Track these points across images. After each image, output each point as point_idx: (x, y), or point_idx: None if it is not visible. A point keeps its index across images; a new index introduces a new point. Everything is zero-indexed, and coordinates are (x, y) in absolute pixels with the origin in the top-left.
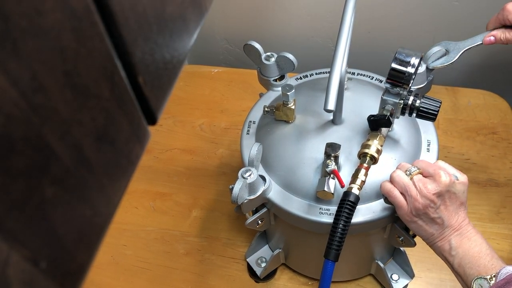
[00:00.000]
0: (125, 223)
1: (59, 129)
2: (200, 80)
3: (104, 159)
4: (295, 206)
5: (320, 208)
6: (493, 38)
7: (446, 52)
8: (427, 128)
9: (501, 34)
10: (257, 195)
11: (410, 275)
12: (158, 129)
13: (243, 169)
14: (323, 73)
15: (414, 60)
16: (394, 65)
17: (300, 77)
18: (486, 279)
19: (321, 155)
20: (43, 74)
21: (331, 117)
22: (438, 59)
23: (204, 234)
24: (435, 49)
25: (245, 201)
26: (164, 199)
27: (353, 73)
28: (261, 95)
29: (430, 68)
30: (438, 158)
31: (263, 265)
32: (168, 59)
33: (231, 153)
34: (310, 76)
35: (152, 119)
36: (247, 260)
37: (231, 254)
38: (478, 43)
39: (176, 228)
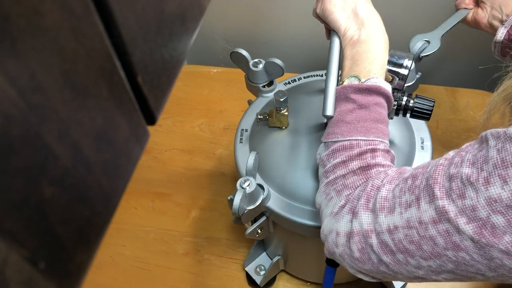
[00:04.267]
0: (124, 223)
1: (58, 129)
2: (199, 80)
3: (103, 159)
4: (295, 212)
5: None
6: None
7: (427, 43)
8: (419, 126)
9: (471, 13)
10: (256, 205)
11: None
12: (157, 129)
13: (241, 179)
14: (311, 76)
15: (407, 62)
16: (387, 68)
17: (289, 82)
18: (359, 79)
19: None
20: (42, 74)
21: (325, 121)
22: (423, 50)
23: (203, 235)
24: (419, 43)
25: (245, 212)
26: (163, 199)
27: None
28: (249, 102)
29: (421, 57)
30: (432, 156)
31: (262, 273)
32: (167, 59)
33: (230, 153)
34: (298, 80)
35: (151, 119)
36: (246, 269)
37: (230, 255)
38: (450, 27)
39: (175, 228)
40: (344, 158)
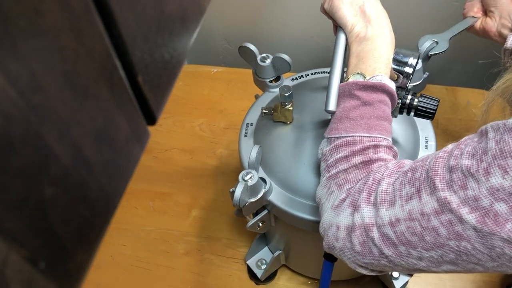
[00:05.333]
0: (124, 223)
1: (58, 129)
2: (199, 80)
3: (103, 159)
4: (296, 207)
5: None
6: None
7: (436, 43)
8: (424, 125)
9: (479, 22)
10: (258, 198)
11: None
12: (157, 128)
13: (243, 172)
14: (319, 73)
15: (412, 61)
16: (392, 66)
17: (296, 78)
18: (364, 76)
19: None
20: (42, 74)
21: (330, 117)
22: (431, 49)
23: (204, 234)
24: (427, 43)
25: (247, 204)
26: (163, 198)
27: None
28: (256, 96)
29: (430, 55)
30: None
31: (264, 267)
32: (167, 58)
33: (230, 153)
34: (306, 76)
35: (151, 119)
36: (247, 262)
37: (231, 254)
38: (457, 33)
39: (176, 228)
40: (347, 153)
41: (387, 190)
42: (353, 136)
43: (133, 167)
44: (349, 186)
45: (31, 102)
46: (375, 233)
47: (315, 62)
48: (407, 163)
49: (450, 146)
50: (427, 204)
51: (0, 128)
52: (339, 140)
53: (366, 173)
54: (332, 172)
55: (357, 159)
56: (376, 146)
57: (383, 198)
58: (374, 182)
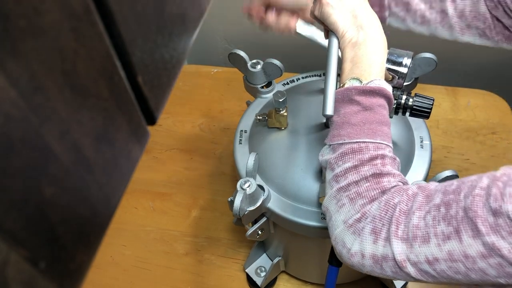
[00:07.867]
0: (124, 223)
1: (58, 129)
2: (199, 80)
3: (103, 159)
4: (296, 213)
5: (322, 214)
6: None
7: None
8: (418, 124)
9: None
10: (257, 206)
11: None
12: (157, 129)
13: (241, 181)
14: (310, 76)
15: (406, 60)
16: (387, 66)
17: (287, 82)
18: (360, 81)
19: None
20: (42, 74)
21: (324, 120)
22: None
23: (204, 234)
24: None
25: (246, 213)
26: (163, 199)
27: None
28: (248, 103)
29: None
30: (432, 153)
31: (263, 274)
32: (167, 59)
33: (230, 153)
34: (297, 80)
35: (151, 119)
36: (246, 270)
37: (231, 255)
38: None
39: (176, 228)
40: (356, 163)
41: (418, 225)
42: (357, 142)
43: (133, 167)
44: (362, 202)
45: (31, 102)
46: (410, 269)
47: (315, 62)
48: (432, 188)
49: (485, 181)
50: (470, 247)
51: (1, 128)
52: (344, 147)
53: (378, 189)
54: (342, 184)
55: (367, 170)
56: (383, 157)
57: (415, 233)
58: (401, 213)
